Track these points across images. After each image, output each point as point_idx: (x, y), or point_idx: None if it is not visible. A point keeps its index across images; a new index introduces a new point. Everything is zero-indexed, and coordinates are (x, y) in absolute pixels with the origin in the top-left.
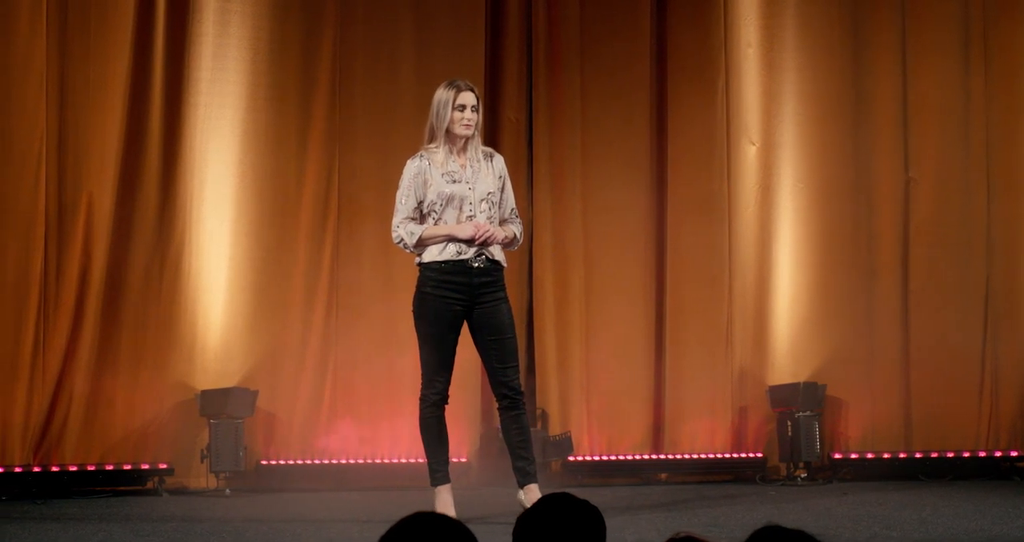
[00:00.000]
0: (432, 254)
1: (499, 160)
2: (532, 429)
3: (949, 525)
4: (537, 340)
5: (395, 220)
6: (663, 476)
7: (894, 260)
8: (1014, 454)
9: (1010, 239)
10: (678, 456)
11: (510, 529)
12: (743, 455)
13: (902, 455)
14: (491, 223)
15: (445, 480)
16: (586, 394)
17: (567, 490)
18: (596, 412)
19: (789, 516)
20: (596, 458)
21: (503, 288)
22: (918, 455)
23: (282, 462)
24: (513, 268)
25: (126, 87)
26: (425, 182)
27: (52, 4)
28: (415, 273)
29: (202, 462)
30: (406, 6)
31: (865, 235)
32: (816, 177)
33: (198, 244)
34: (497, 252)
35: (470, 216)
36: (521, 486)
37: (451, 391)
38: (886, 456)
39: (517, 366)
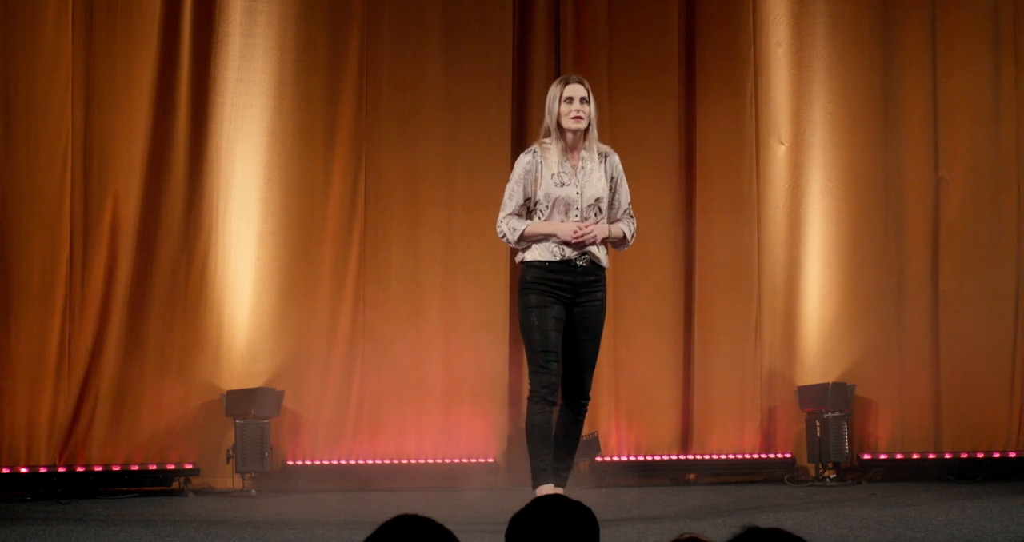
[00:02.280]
0: (534, 254)
1: (613, 159)
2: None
3: (974, 526)
4: None
5: (501, 214)
6: (691, 477)
7: (924, 260)
8: None
9: None
10: (706, 457)
11: None
12: (772, 456)
13: (932, 456)
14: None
15: (548, 480)
16: (614, 394)
17: (594, 491)
18: (624, 412)
19: (814, 517)
20: (624, 459)
21: (604, 289)
22: (948, 456)
23: (308, 463)
24: None
25: (152, 87)
26: (535, 180)
27: (78, 4)
28: (440, 274)
29: (228, 462)
30: (433, 6)
31: (895, 235)
32: (846, 176)
33: (224, 244)
34: (601, 256)
35: (575, 220)
36: (544, 482)
37: (483, 389)
38: (915, 457)
39: (592, 371)
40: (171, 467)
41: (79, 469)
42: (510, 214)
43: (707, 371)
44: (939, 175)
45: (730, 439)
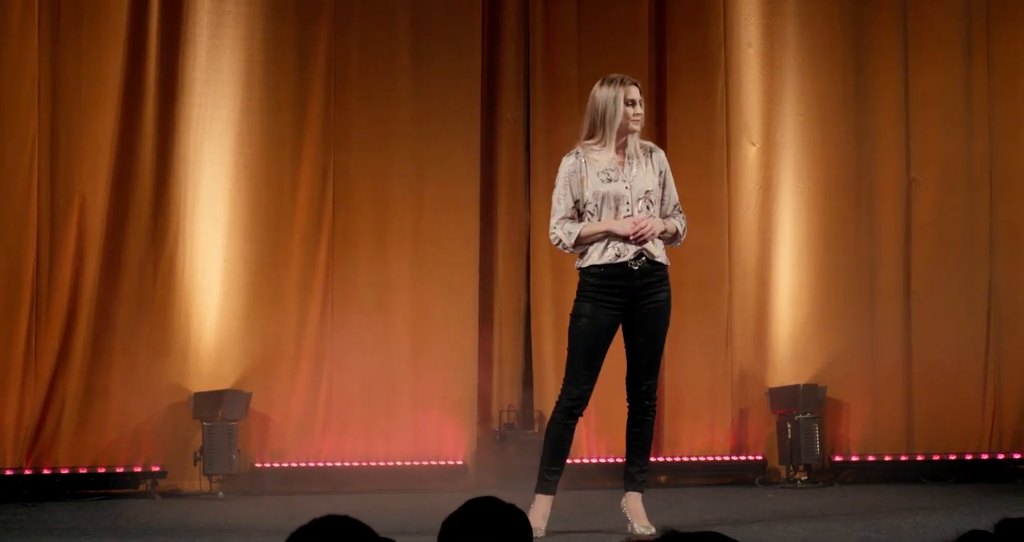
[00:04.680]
0: (592, 258)
1: (659, 154)
2: (529, 432)
3: (941, 528)
4: (535, 342)
5: (552, 220)
6: (662, 479)
7: (896, 261)
8: (1017, 456)
9: (1013, 240)
10: (677, 458)
11: None
12: (743, 458)
13: (904, 458)
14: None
15: (549, 490)
16: None
17: (564, 494)
18: (594, 414)
19: (782, 519)
20: (594, 461)
21: (666, 289)
22: (920, 458)
23: (276, 465)
24: (511, 270)
25: (119, 88)
26: (581, 180)
27: (44, 4)
28: (409, 275)
29: (195, 465)
30: (402, 6)
31: (867, 236)
32: (817, 177)
33: (192, 246)
34: (659, 252)
35: (627, 215)
36: (625, 490)
37: (452, 392)
38: (887, 459)
39: (653, 374)
40: (138, 470)
41: (45, 471)
42: (562, 218)
43: (678, 373)
44: (911, 176)
45: (701, 441)
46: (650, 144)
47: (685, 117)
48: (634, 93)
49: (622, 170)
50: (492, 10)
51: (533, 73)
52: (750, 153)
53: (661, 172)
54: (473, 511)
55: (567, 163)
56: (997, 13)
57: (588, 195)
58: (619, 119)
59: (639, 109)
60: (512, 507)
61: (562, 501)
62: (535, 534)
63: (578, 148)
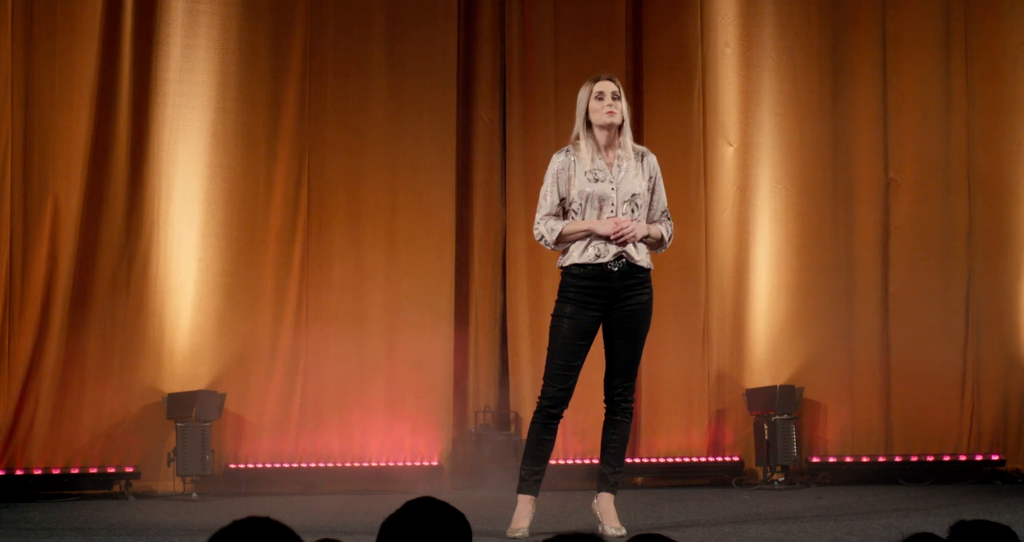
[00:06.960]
0: (572, 257)
1: (651, 159)
2: (504, 433)
3: (914, 530)
4: (511, 343)
5: (537, 216)
6: (638, 480)
7: (874, 261)
8: (995, 457)
9: (991, 240)
10: (654, 460)
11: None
12: (720, 459)
13: (881, 459)
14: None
15: (529, 491)
16: None
17: (541, 494)
18: (570, 416)
19: (755, 520)
20: (570, 462)
21: (647, 292)
22: (897, 459)
23: (251, 466)
24: (487, 270)
25: (93, 88)
26: (569, 179)
27: (18, 4)
28: (383, 276)
29: (169, 465)
30: (377, 6)
31: (844, 236)
32: (795, 178)
33: (166, 246)
34: (640, 256)
35: (611, 216)
36: (598, 491)
37: (426, 392)
38: (865, 460)
39: (630, 375)
40: (112, 470)
41: (18, 472)
42: (546, 215)
43: (655, 374)
44: (889, 176)
45: (678, 442)
46: (643, 148)
47: (662, 117)
48: (602, 86)
49: (610, 171)
50: (468, 10)
51: (509, 74)
52: (727, 153)
53: (651, 177)
54: (412, 512)
55: (556, 160)
56: (975, 13)
57: (574, 194)
58: (584, 114)
59: (609, 101)
60: (451, 508)
61: (538, 501)
62: (518, 534)
63: (569, 146)
